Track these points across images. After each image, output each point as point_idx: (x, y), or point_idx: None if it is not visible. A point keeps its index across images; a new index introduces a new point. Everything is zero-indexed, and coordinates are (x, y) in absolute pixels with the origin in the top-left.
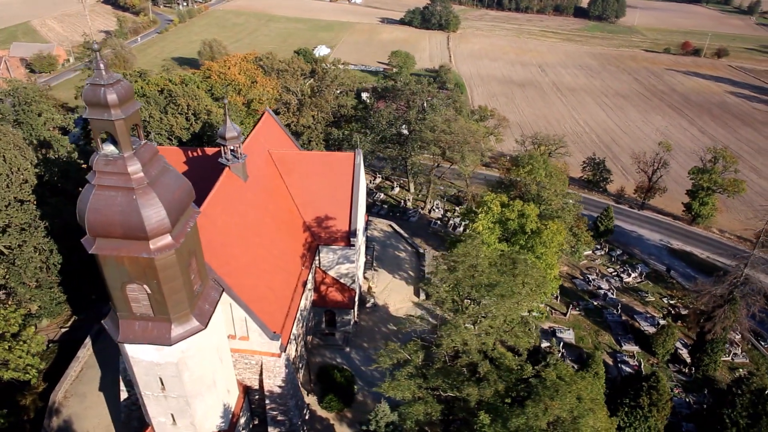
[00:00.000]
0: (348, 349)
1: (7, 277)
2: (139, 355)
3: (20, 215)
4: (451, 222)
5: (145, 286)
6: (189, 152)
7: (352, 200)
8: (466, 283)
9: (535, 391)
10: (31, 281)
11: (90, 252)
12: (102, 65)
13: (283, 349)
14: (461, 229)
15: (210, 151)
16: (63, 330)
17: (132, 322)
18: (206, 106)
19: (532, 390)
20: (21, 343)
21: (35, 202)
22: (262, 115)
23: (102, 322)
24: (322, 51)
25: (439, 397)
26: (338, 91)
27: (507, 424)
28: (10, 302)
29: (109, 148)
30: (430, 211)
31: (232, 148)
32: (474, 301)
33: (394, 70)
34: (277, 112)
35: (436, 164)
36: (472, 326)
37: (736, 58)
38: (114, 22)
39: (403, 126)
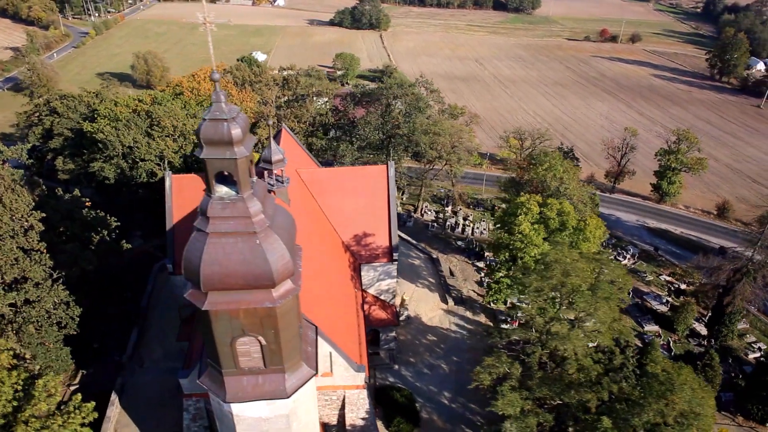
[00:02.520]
0: (396, 367)
1: (22, 340)
2: (245, 412)
3: (35, 268)
4: (448, 223)
5: (260, 337)
6: None
7: (390, 214)
8: (563, 290)
9: (651, 386)
10: (46, 340)
11: (203, 309)
12: (222, 96)
13: (367, 380)
14: (460, 229)
15: None
16: (73, 388)
17: (239, 378)
18: (194, 125)
19: (646, 386)
20: (73, 414)
21: (45, 251)
22: (279, 132)
23: (198, 381)
24: (258, 57)
25: (545, 407)
26: (317, 99)
27: (630, 423)
28: (29, 365)
29: (222, 190)
30: (422, 215)
31: (276, 171)
32: (567, 307)
33: (338, 72)
34: (254, 125)
35: (430, 167)
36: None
37: (647, 42)
38: (19, 37)
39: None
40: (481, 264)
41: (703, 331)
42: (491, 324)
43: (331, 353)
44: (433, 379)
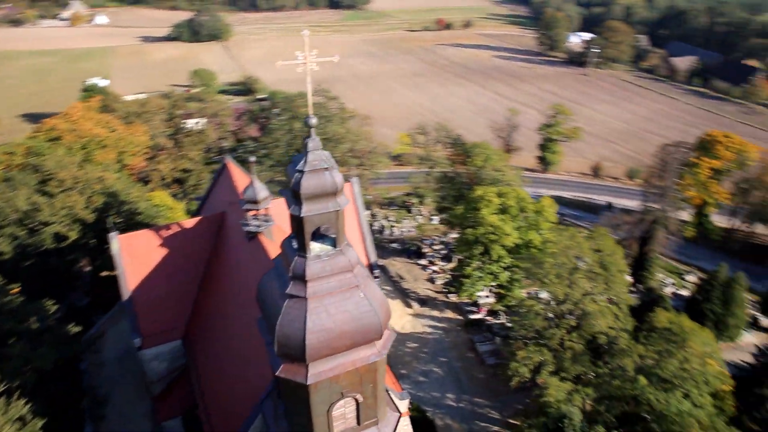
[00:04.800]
0: None
1: None
2: None
3: None
4: (373, 227)
5: (357, 396)
6: (161, 232)
7: (362, 231)
8: (576, 272)
9: (669, 340)
10: None
11: (308, 383)
12: (319, 143)
13: (409, 406)
14: (388, 231)
15: (188, 223)
16: None
17: None
18: (93, 171)
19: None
20: None
21: None
22: (223, 167)
23: None
24: (100, 84)
25: (584, 382)
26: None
27: (660, 376)
28: None
29: (316, 247)
30: None
31: (262, 210)
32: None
33: (194, 90)
34: (152, 159)
35: (345, 174)
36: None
37: (478, 27)
38: None
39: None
40: (423, 262)
41: (629, 279)
42: (461, 318)
43: None
44: (432, 385)
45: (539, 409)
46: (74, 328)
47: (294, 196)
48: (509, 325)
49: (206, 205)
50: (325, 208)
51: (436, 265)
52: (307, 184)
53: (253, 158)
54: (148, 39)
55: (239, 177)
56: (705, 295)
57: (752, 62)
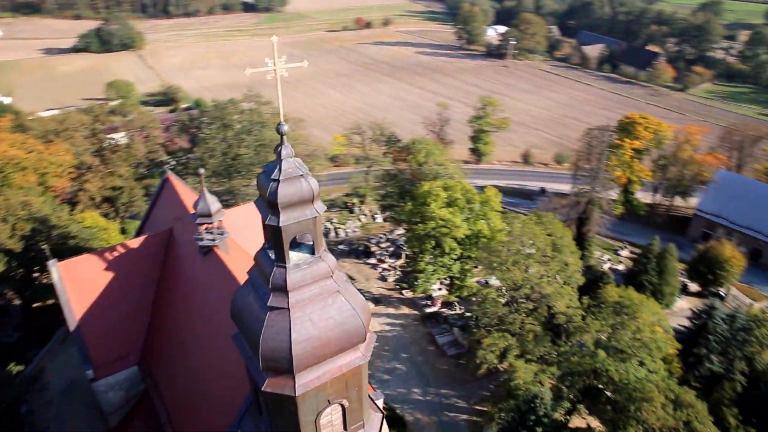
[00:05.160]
0: None
1: None
2: None
3: None
4: (325, 229)
5: (344, 401)
6: (104, 255)
7: None
8: (529, 259)
9: (620, 313)
10: None
11: (297, 395)
12: (291, 150)
13: (384, 404)
14: (334, 233)
15: (133, 243)
16: None
17: None
18: (19, 198)
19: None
20: None
21: None
22: (164, 182)
23: None
24: (4, 101)
25: (548, 362)
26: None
27: (616, 348)
28: None
29: (294, 256)
30: None
31: (215, 224)
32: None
33: (112, 103)
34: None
35: None
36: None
37: (397, 24)
38: None
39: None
40: (372, 261)
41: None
42: (417, 313)
43: None
44: (397, 381)
45: (508, 392)
46: (15, 368)
47: (270, 206)
48: (467, 315)
49: (149, 222)
50: (302, 216)
51: (386, 262)
52: (284, 192)
53: (202, 170)
54: (52, 51)
55: (183, 191)
56: (642, 268)
57: (654, 48)
